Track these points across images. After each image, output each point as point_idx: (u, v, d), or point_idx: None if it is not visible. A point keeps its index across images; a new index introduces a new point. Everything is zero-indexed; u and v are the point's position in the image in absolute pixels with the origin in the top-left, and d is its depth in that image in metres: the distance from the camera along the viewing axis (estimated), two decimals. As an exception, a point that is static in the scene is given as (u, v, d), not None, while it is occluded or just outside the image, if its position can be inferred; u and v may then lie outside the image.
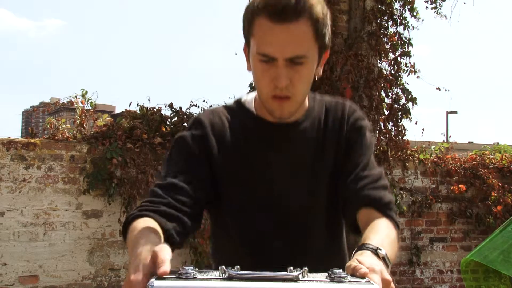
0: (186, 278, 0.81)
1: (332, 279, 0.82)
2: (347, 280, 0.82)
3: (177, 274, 0.82)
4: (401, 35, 5.67)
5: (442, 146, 6.18)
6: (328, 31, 1.21)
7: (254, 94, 1.36)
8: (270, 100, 1.21)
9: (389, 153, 5.50)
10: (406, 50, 5.65)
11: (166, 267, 0.84)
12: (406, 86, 5.67)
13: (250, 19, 1.19)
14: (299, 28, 1.14)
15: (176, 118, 4.94)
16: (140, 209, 1.17)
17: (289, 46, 1.15)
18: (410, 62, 5.66)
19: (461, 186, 5.73)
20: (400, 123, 5.59)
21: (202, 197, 1.25)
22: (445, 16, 6.17)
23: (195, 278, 0.81)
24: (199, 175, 1.26)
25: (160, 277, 0.82)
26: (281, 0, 1.13)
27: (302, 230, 1.32)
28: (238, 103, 1.37)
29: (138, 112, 4.90)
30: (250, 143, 1.30)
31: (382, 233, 1.11)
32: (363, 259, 0.93)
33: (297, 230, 1.32)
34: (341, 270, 0.83)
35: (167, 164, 1.29)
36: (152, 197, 1.20)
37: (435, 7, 6.10)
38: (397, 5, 5.68)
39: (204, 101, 5.12)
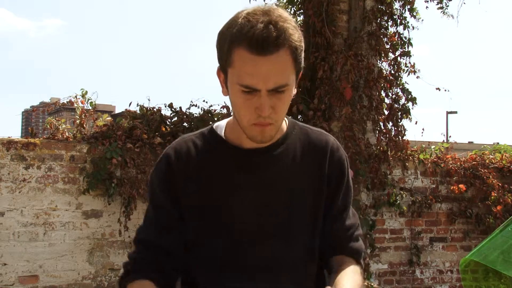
0: None
1: None
2: None
3: None
4: (401, 35, 5.67)
5: (442, 146, 6.18)
6: (303, 54, 1.23)
7: (226, 120, 1.38)
8: (252, 126, 1.22)
9: (389, 153, 5.50)
10: (406, 50, 5.66)
11: None
12: (406, 86, 5.68)
13: (228, 48, 1.18)
14: (280, 59, 1.15)
15: (176, 118, 4.94)
16: (128, 271, 1.32)
17: (272, 77, 1.16)
18: (410, 62, 5.66)
19: (461, 186, 5.73)
20: (400, 123, 5.59)
21: (179, 245, 1.32)
22: (452, 15, 6.16)
23: None
24: (173, 226, 1.33)
25: None
26: (262, 32, 1.13)
27: (269, 255, 1.32)
28: (211, 129, 1.39)
29: (138, 112, 4.90)
30: (218, 169, 1.32)
31: (353, 281, 1.26)
32: None
33: (263, 256, 1.32)
34: None
35: (148, 210, 1.40)
36: (134, 253, 1.35)
37: (442, 7, 6.10)
38: (397, 5, 5.68)
39: (204, 101, 5.12)
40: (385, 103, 5.59)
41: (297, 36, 1.18)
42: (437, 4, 6.06)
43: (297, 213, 1.32)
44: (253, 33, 1.13)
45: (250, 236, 1.30)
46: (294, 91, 1.26)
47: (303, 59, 1.23)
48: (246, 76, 1.16)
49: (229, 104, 5.13)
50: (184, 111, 4.97)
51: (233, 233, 1.30)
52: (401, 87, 5.64)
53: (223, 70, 1.23)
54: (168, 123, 4.91)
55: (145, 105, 4.93)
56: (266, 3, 5.65)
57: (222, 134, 1.35)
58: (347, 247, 1.36)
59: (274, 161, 1.32)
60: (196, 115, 4.98)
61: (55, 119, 4.67)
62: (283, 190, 1.31)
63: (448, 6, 6.09)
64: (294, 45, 1.16)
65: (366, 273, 5.27)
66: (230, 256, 1.31)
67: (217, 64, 1.28)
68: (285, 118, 1.38)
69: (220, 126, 1.38)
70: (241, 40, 1.14)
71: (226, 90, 1.26)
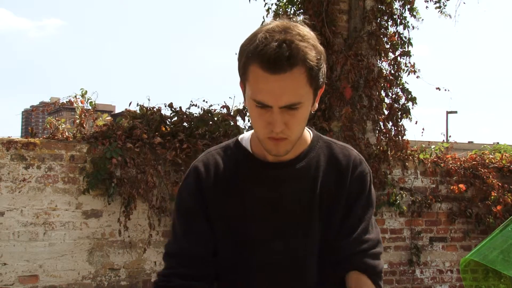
0: None
1: None
2: None
3: None
4: (401, 35, 5.67)
5: (442, 146, 6.18)
6: (323, 70, 1.23)
7: (251, 132, 1.40)
8: (267, 140, 1.24)
9: (389, 153, 5.50)
10: (406, 50, 5.66)
11: None
12: (406, 86, 5.68)
13: (244, 63, 1.21)
14: (292, 78, 1.16)
15: (176, 118, 4.94)
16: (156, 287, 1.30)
17: (284, 95, 1.17)
18: (410, 62, 5.66)
19: (461, 186, 5.73)
20: (400, 123, 5.59)
21: (210, 251, 1.32)
22: (450, 15, 6.17)
23: None
24: (203, 232, 1.33)
25: None
26: (274, 50, 1.14)
27: (294, 271, 1.33)
28: (236, 141, 1.41)
29: (138, 112, 4.89)
30: (243, 182, 1.34)
31: None
32: None
33: (287, 270, 1.33)
34: None
35: (174, 224, 1.38)
36: (166, 269, 1.32)
37: (439, 7, 6.11)
38: (397, 5, 5.69)
39: (204, 100, 5.12)
40: (385, 103, 5.59)
41: (313, 55, 1.18)
42: (435, 3, 6.07)
43: (314, 225, 1.33)
44: (266, 52, 1.14)
45: (267, 244, 1.33)
46: (315, 106, 1.27)
47: (322, 75, 1.23)
48: (259, 93, 1.18)
49: (230, 103, 5.14)
50: (184, 111, 4.96)
51: (250, 242, 1.33)
52: (401, 87, 5.64)
53: (243, 83, 1.26)
54: (168, 123, 4.91)
55: (145, 105, 4.93)
56: (266, 3, 5.53)
57: (248, 146, 1.38)
58: (361, 261, 1.30)
59: (296, 174, 1.33)
60: (196, 115, 4.98)
61: (55, 119, 4.67)
62: (303, 203, 1.32)
63: (445, 5, 6.10)
64: (308, 64, 1.17)
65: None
66: (244, 260, 1.33)
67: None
68: (310, 131, 1.40)
69: (245, 138, 1.40)
70: (255, 58, 1.17)
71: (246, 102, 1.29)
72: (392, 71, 5.62)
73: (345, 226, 1.32)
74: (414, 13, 5.73)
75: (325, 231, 1.32)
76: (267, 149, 1.27)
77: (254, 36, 1.20)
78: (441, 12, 6.11)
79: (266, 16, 6.20)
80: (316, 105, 1.28)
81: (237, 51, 1.25)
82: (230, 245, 1.33)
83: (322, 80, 1.23)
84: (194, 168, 1.38)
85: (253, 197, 1.32)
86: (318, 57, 1.20)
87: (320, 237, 1.32)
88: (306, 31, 1.20)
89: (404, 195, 5.55)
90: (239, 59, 1.24)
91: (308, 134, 1.39)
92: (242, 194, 1.33)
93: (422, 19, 5.77)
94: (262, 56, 1.15)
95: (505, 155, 6.23)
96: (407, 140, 5.65)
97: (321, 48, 1.22)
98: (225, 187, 1.34)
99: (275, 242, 1.32)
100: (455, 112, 27.05)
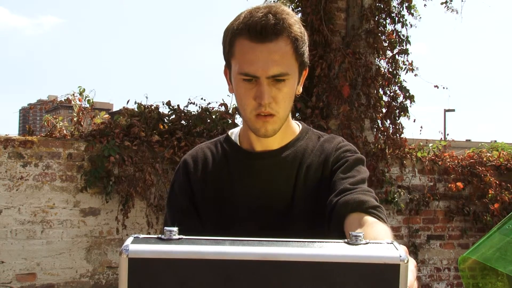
0: (169, 240, 0.68)
1: (349, 243, 0.69)
2: (366, 242, 0.69)
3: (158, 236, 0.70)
4: (399, 33, 5.67)
5: (440, 144, 6.19)
6: (306, 50, 1.25)
7: (240, 127, 1.41)
8: (254, 118, 1.23)
9: (387, 151, 5.50)
10: (404, 48, 5.66)
11: None
12: (404, 84, 5.68)
13: (230, 41, 1.23)
14: (279, 47, 1.18)
15: (173, 116, 4.94)
16: None
17: (271, 64, 1.18)
18: (407, 60, 5.66)
19: (458, 184, 5.74)
20: (398, 121, 5.60)
21: None
22: (456, 11, 6.18)
23: (179, 241, 0.68)
24: (195, 229, 1.31)
25: (137, 240, 0.68)
26: (261, 20, 1.17)
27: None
28: (226, 136, 1.42)
29: (136, 109, 4.90)
30: (231, 174, 1.35)
31: (381, 229, 1.05)
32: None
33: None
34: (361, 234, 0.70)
35: (166, 217, 1.39)
36: None
37: (446, 2, 6.12)
38: (395, 3, 5.68)
39: (202, 98, 5.12)
40: (383, 101, 5.59)
41: (297, 27, 1.21)
42: None
43: (299, 216, 1.32)
44: (252, 21, 1.18)
45: (251, 233, 1.31)
46: (300, 90, 1.28)
47: (306, 53, 1.25)
48: (246, 64, 1.19)
49: (228, 101, 5.13)
50: (182, 109, 4.96)
51: (237, 231, 1.30)
52: (399, 85, 5.65)
53: (228, 64, 1.27)
54: (165, 120, 4.90)
55: (143, 103, 4.93)
56: (265, 1, 5.54)
57: (237, 140, 1.39)
58: (352, 198, 1.15)
59: (282, 163, 1.33)
60: (194, 113, 4.98)
61: (53, 117, 4.67)
62: (288, 193, 1.32)
63: (452, 1, 6.12)
64: (293, 35, 1.20)
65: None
66: None
67: (223, 64, 1.30)
68: (299, 124, 1.41)
69: (234, 132, 1.41)
70: (241, 30, 1.19)
71: (231, 87, 1.29)
72: (390, 69, 5.63)
73: (332, 189, 1.23)
74: (412, 11, 5.73)
75: (310, 216, 1.31)
76: (254, 129, 1.25)
77: (237, 16, 1.24)
78: (448, 7, 6.12)
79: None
80: (300, 88, 1.29)
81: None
82: (215, 231, 1.33)
83: (306, 59, 1.26)
84: (183, 162, 1.40)
85: (240, 188, 1.33)
86: (302, 31, 1.23)
87: (306, 227, 1.31)
88: (289, 10, 1.24)
89: (402, 193, 5.56)
90: (224, 40, 1.26)
91: (297, 126, 1.40)
92: (230, 186, 1.34)
93: (420, 17, 5.78)
94: (249, 26, 1.18)
95: (503, 153, 6.24)
96: (405, 138, 5.66)
97: (304, 30, 1.25)
98: (213, 180, 1.35)
99: (261, 233, 1.31)
100: (453, 110, 27.05)
